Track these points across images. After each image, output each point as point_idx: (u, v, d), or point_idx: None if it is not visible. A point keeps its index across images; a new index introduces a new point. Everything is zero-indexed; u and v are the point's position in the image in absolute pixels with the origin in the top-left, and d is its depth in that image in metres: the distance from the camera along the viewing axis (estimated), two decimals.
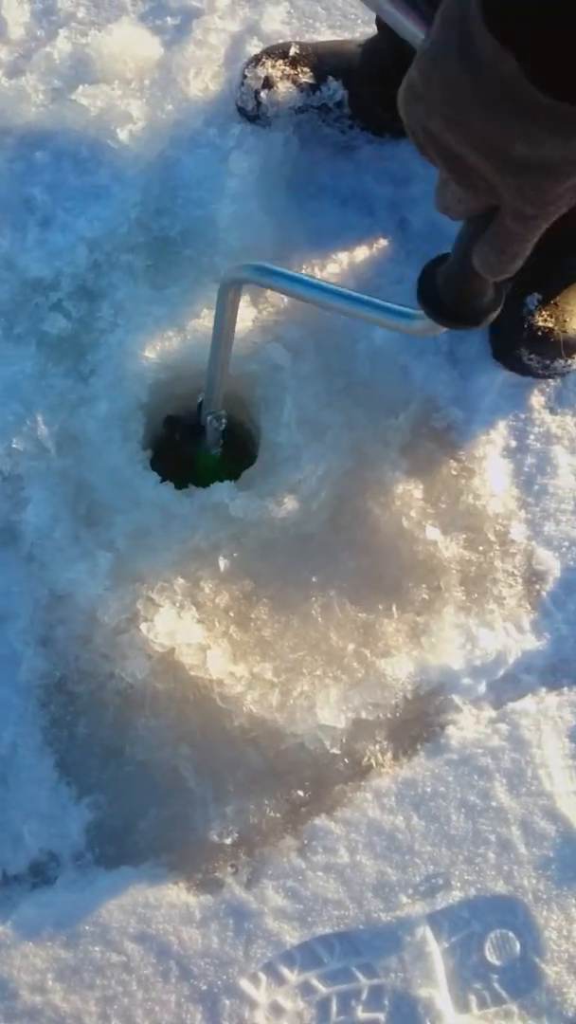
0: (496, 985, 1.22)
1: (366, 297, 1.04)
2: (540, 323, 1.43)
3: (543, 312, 1.44)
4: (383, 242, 1.55)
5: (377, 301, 1.03)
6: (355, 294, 1.06)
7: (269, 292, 1.48)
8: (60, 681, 1.32)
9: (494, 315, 0.88)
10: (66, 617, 1.32)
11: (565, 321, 1.44)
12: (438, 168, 0.70)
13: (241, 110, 1.58)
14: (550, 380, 1.49)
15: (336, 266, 1.53)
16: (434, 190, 0.76)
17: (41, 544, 1.35)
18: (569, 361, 1.45)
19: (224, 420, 1.36)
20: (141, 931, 1.22)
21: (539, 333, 1.44)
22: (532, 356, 1.45)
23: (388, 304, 1.02)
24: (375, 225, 1.57)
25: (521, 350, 1.45)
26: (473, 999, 1.21)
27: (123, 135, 1.57)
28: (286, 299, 1.47)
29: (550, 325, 1.43)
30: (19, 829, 1.26)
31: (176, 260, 1.51)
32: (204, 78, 1.63)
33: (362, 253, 1.54)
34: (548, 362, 1.45)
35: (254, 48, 1.66)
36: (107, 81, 1.61)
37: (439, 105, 0.64)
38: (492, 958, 1.23)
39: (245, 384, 1.44)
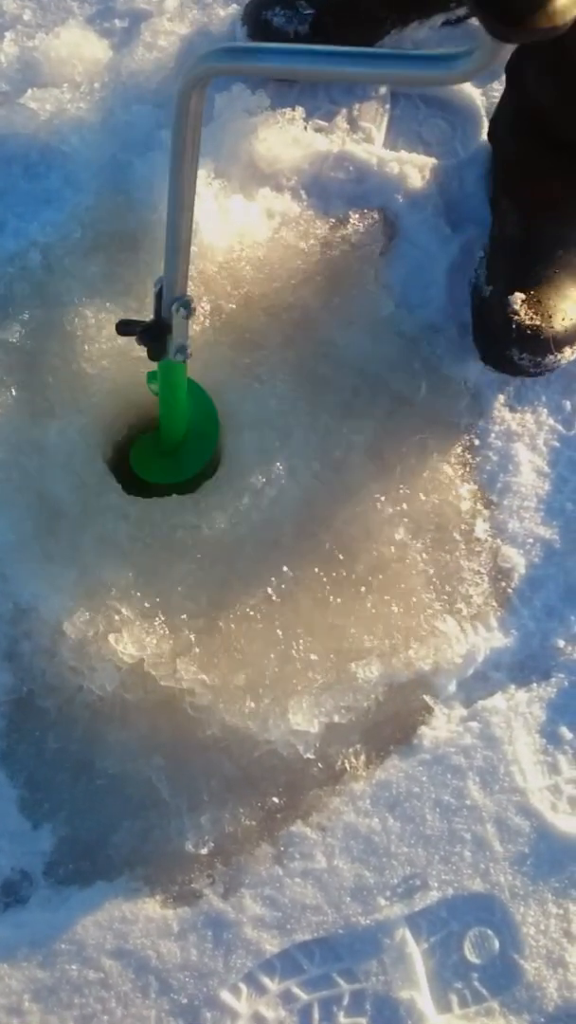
0: (476, 983, 1.22)
1: (381, 51, 0.77)
2: (528, 322, 1.43)
3: (528, 311, 1.44)
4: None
5: (395, 52, 0.76)
6: (363, 50, 0.75)
7: (224, 300, 1.45)
8: (27, 696, 1.29)
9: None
10: (31, 630, 1.30)
11: (551, 317, 1.44)
12: None
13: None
14: (511, 379, 1.49)
15: None
16: None
17: (3, 556, 1.32)
18: (558, 356, 1.46)
19: (193, 308, 1.12)
20: (118, 947, 1.20)
21: (528, 332, 1.43)
22: (524, 356, 1.45)
23: (412, 53, 0.74)
24: None
25: (512, 351, 1.45)
26: (454, 999, 1.22)
27: (74, 139, 1.54)
28: (243, 301, 1.46)
29: (537, 323, 1.44)
30: None
31: (132, 264, 1.49)
32: (154, 81, 1.61)
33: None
34: (539, 359, 1.45)
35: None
36: (56, 84, 1.59)
37: None
38: (471, 956, 1.23)
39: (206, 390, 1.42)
